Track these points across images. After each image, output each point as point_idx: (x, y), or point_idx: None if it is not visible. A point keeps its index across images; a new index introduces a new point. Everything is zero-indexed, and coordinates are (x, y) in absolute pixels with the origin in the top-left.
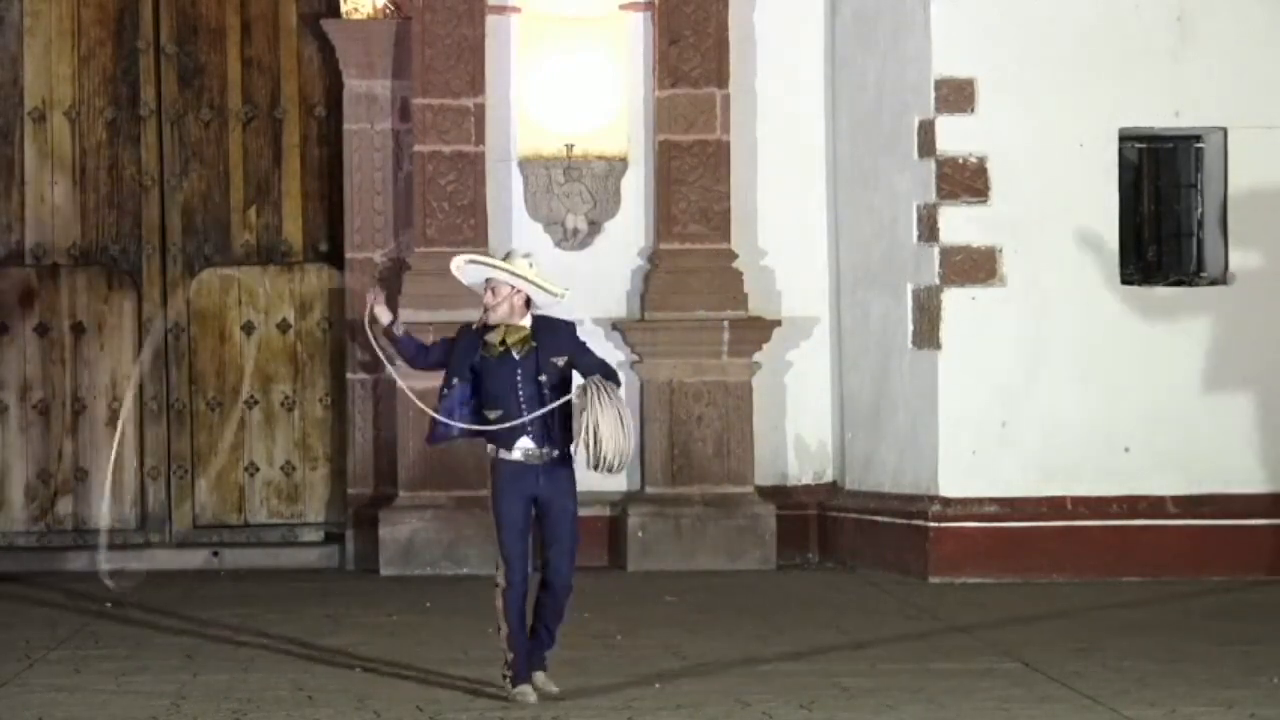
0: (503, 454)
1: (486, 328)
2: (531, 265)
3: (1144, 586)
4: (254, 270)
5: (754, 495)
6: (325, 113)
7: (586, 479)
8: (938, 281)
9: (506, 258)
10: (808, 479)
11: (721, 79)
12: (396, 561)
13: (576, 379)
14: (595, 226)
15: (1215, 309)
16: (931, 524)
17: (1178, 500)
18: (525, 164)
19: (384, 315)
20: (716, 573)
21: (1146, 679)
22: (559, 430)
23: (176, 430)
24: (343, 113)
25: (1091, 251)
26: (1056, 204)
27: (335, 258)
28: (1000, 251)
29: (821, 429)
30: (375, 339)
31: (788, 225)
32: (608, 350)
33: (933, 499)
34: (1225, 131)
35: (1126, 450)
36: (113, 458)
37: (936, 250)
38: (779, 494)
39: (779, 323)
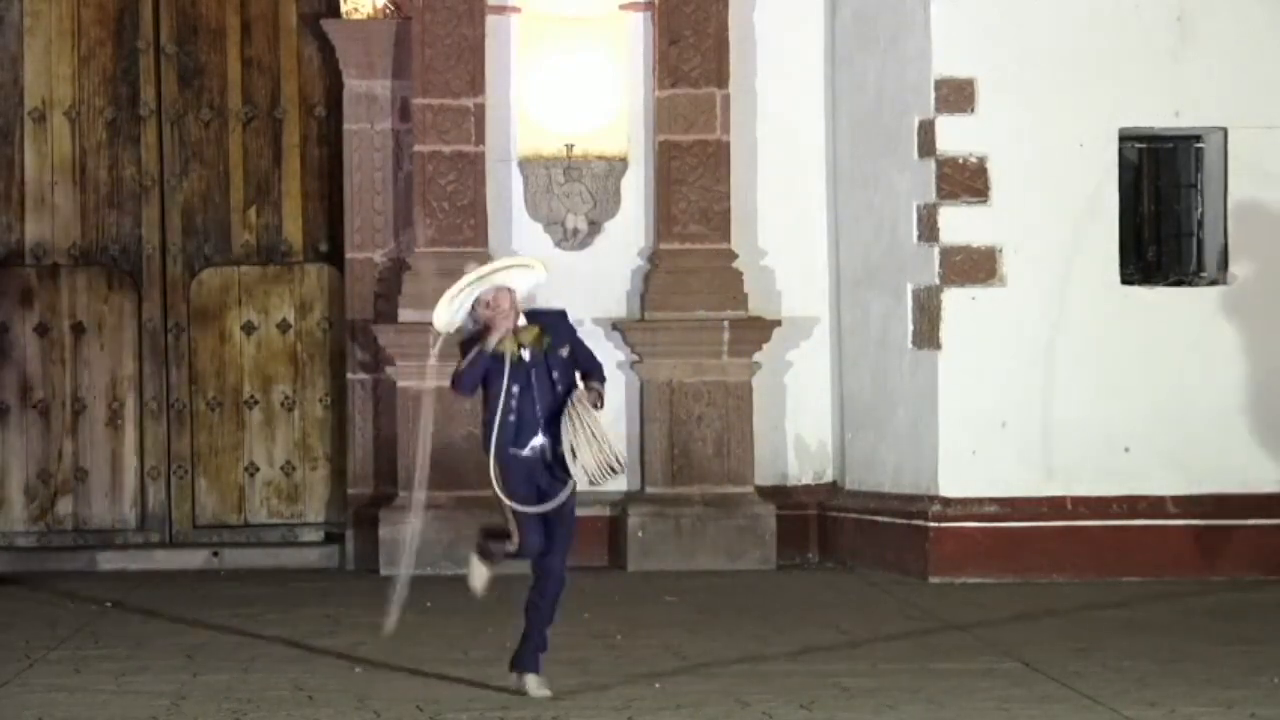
0: (513, 450)
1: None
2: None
3: (1144, 586)
4: (254, 270)
5: (754, 495)
6: (325, 113)
7: None
8: (938, 281)
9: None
10: (808, 479)
11: (721, 79)
12: (397, 561)
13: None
14: (595, 226)
15: (1215, 309)
16: (931, 524)
17: (1178, 500)
18: (525, 164)
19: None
20: (716, 573)
21: (1146, 679)
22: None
23: (176, 430)
24: (343, 113)
25: (1091, 251)
26: (1056, 204)
27: (335, 258)
28: (1000, 251)
29: (821, 429)
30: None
31: (788, 225)
32: (608, 350)
33: (933, 499)
34: (1225, 131)
35: (1126, 450)
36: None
37: (936, 250)
38: (779, 494)
39: (779, 323)
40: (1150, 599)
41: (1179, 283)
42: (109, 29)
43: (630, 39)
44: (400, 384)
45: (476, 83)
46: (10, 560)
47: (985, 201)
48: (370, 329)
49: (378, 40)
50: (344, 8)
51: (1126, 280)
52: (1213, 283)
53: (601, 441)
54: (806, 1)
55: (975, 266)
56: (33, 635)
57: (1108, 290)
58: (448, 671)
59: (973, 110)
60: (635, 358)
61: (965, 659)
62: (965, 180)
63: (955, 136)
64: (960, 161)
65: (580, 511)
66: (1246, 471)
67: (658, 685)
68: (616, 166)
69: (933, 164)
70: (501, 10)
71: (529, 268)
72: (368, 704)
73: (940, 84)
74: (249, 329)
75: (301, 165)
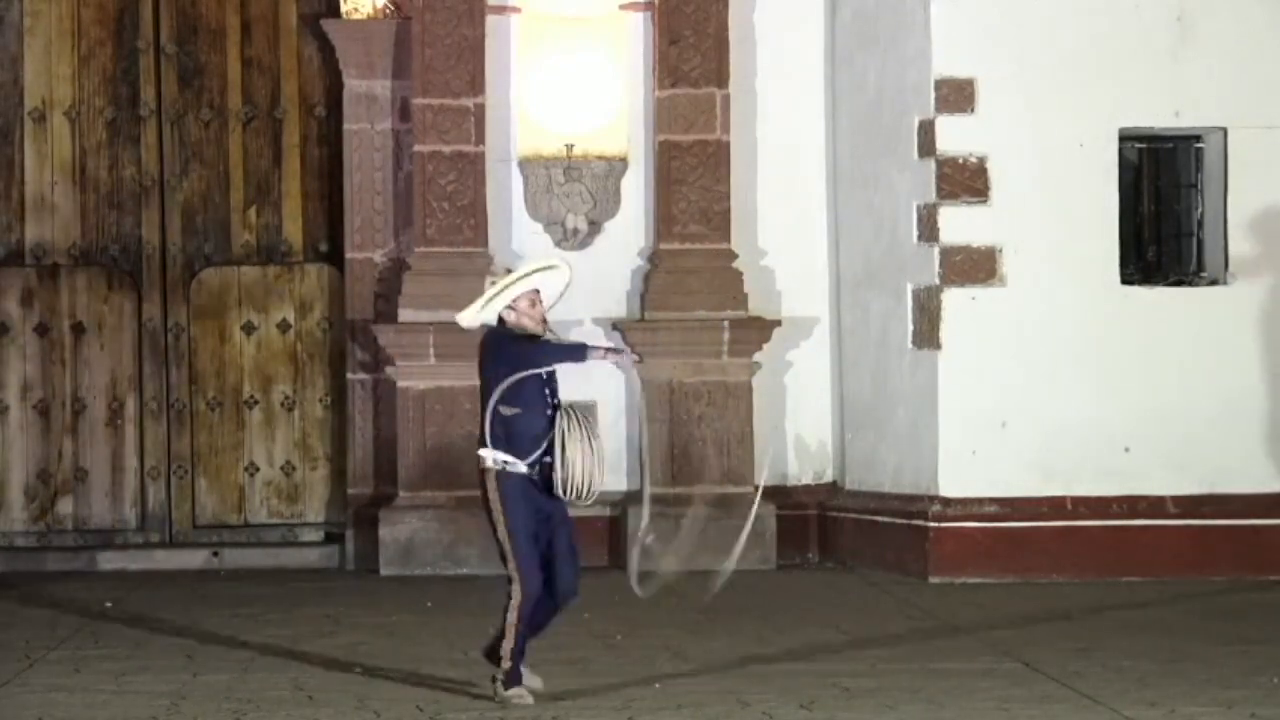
0: (511, 466)
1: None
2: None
3: (1144, 586)
4: (254, 270)
5: (754, 495)
6: (325, 113)
7: None
8: (938, 281)
9: (494, 283)
10: (808, 479)
11: (721, 79)
12: (396, 561)
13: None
14: (595, 226)
15: (1215, 309)
16: (931, 524)
17: (1178, 500)
18: (525, 164)
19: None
20: (717, 573)
21: (1146, 679)
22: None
23: (176, 430)
24: (343, 113)
25: (1091, 251)
26: (1056, 204)
27: (335, 258)
28: (1000, 251)
29: (821, 429)
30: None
31: (788, 225)
32: None
33: (933, 499)
34: (1225, 131)
35: (1126, 450)
36: None
37: (936, 250)
38: (779, 494)
39: (779, 323)
40: (1150, 599)
41: (1179, 283)
42: (109, 29)
43: (630, 39)
44: (400, 384)
45: (476, 83)
46: (10, 560)
47: (985, 201)
48: (370, 329)
49: (378, 40)
50: (344, 8)
51: (1126, 280)
52: (1213, 283)
53: (595, 455)
54: (806, 1)
55: (975, 266)
56: (33, 635)
57: (1108, 290)
58: (448, 671)
59: (973, 110)
60: (635, 358)
61: (965, 659)
62: (965, 180)
63: (955, 136)
64: (960, 161)
65: (580, 512)
66: (1246, 471)
67: (658, 685)
68: (616, 166)
69: (933, 164)
70: (501, 10)
71: (556, 269)
72: (368, 704)
73: (940, 84)
74: (249, 329)
75: (301, 165)
